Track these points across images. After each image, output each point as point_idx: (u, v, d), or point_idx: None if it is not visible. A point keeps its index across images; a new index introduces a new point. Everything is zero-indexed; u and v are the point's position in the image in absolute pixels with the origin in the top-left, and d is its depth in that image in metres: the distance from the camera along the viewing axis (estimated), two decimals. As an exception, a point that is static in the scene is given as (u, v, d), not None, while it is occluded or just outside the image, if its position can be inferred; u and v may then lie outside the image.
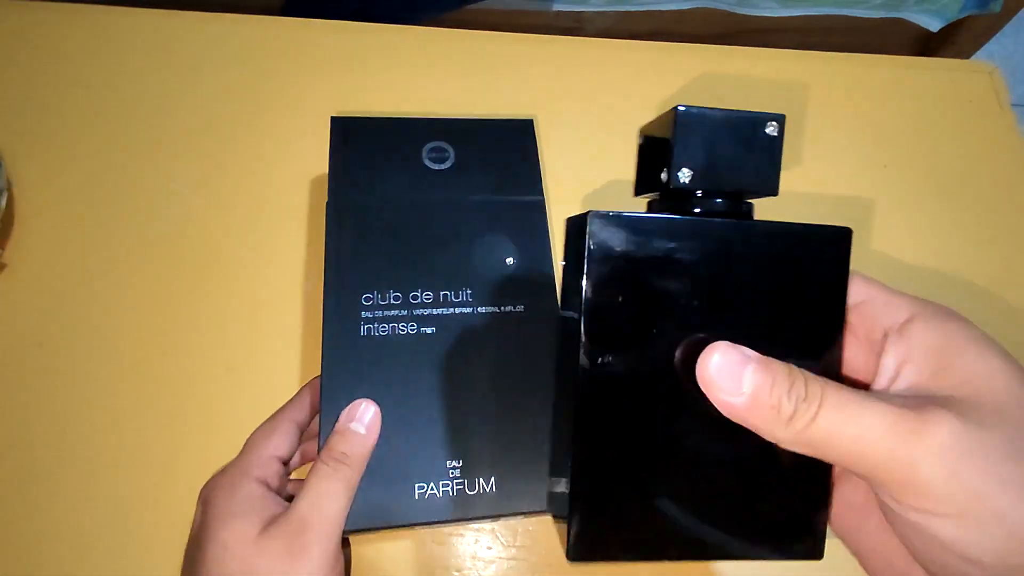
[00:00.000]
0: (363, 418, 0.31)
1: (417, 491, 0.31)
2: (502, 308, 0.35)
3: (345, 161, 0.37)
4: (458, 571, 0.33)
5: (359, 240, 0.35)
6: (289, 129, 0.41)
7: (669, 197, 0.24)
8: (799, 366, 0.21)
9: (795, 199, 0.39)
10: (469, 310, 0.35)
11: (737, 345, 0.21)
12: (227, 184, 0.39)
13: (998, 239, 0.39)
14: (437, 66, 0.44)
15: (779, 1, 0.44)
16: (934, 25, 0.45)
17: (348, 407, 0.31)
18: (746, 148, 0.23)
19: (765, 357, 0.20)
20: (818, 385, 0.20)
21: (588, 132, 0.41)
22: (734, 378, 0.20)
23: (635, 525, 0.24)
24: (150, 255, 0.38)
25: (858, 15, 0.45)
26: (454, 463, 0.31)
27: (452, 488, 0.31)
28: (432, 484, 0.31)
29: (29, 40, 0.42)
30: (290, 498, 0.30)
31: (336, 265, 0.34)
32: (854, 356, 0.24)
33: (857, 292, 0.24)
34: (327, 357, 0.33)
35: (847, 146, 0.40)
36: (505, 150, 0.39)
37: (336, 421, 0.31)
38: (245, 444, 0.31)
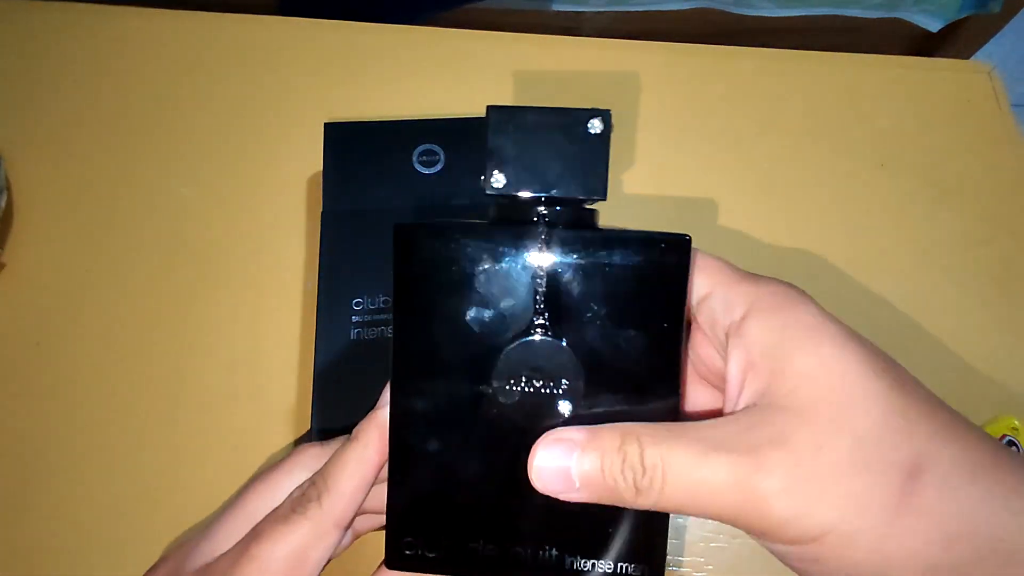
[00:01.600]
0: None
1: None
2: None
3: (338, 168, 0.38)
4: (457, 571, 0.33)
5: (351, 246, 0.36)
6: (288, 128, 0.41)
7: (502, 202, 0.22)
8: (641, 395, 0.20)
9: (793, 198, 0.39)
10: None
11: (562, 432, 0.19)
12: (226, 183, 0.40)
13: (997, 239, 0.39)
14: (436, 66, 0.44)
15: (777, 1, 0.44)
16: (933, 25, 0.45)
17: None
18: (568, 148, 0.21)
19: (593, 433, 0.19)
20: (656, 450, 0.18)
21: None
22: (563, 478, 0.19)
23: (457, 526, 0.22)
24: (149, 255, 0.38)
25: (857, 15, 0.45)
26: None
27: None
28: None
29: (29, 40, 0.42)
30: None
31: (329, 271, 0.35)
32: (712, 359, 0.22)
33: (700, 284, 0.21)
34: (319, 361, 0.34)
35: (845, 146, 0.41)
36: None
37: (323, 427, 0.30)
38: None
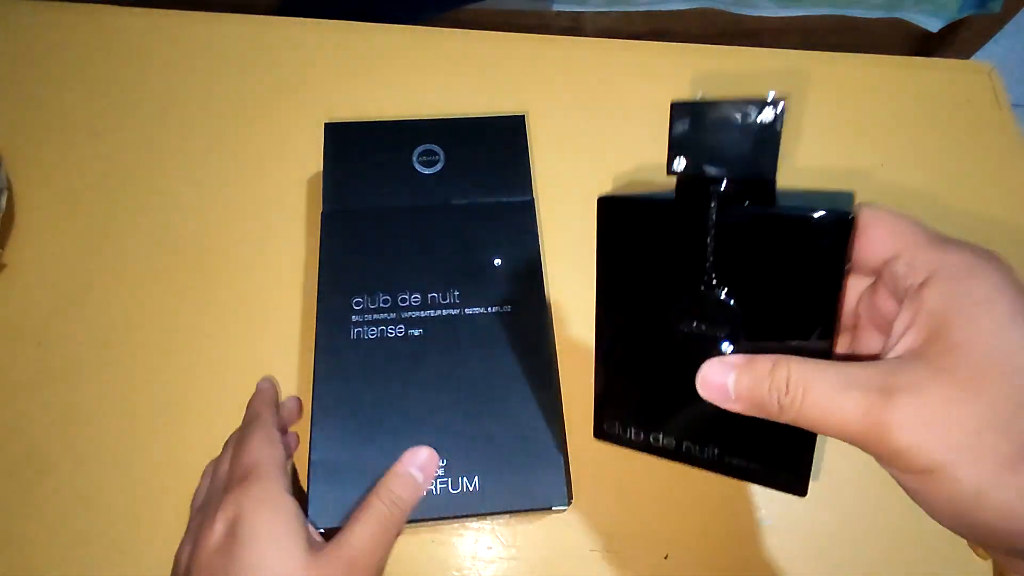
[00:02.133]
0: (425, 468, 0.31)
1: None
2: (489, 309, 0.35)
3: (338, 168, 0.38)
4: (458, 571, 0.33)
5: (351, 246, 0.36)
6: (288, 128, 0.41)
7: (682, 181, 0.26)
8: (794, 344, 0.24)
9: (794, 198, 0.39)
10: (456, 311, 0.35)
11: (724, 358, 0.24)
12: (226, 183, 0.40)
13: (997, 239, 0.39)
14: (436, 66, 0.44)
15: (777, 1, 0.44)
16: (933, 25, 0.45)
17: (414, 450, 0.31)
18: (742, 134, 0.24)
19: (749, 360, 0.23)
20: (800, 377, 0.22)
21: (587, 132, 0.41)
22: (721, 391, 0.24)
23: (643, 423, 0.28)
24: (149, 254, 0.38)
25: (857, 15, 0.45)
26: (439, 462, 0.32)
27: (436, 486, 0.31)
28: None
29: (29, 40, 0.42)
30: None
31: (329, 271, 0.35)
32: (890, 312, 0.24)
33: (889, 246, 0.23)
34: (319, 360, 0.34)
35: (845, 145, 0.41)
36: (496, 149, 0.39)
37: (322, 429, 0.32)
38: (246, 458, 0.30)
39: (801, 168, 0.40)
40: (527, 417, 0.33)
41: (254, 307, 0.37)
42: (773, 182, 0.25)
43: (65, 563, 0.32)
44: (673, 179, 0.27)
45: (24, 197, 0.39)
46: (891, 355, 0.22)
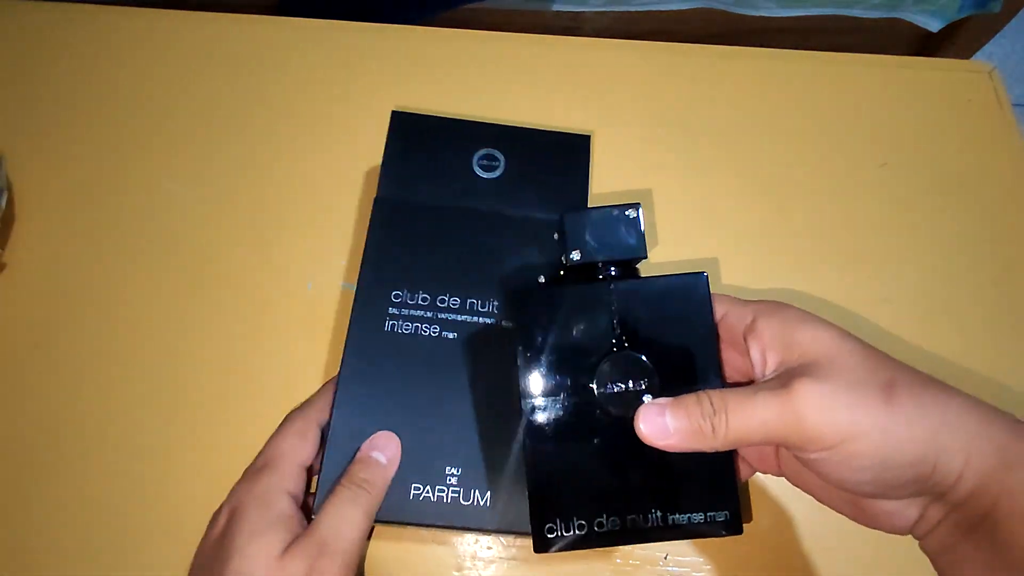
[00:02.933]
0: (385, 449, 0.31)
1: (412, 491, 0.31)
2: None
3: (399, 158, 0.37)
4: (458, 571, 0.33)
5: (399, 238, 0.36)
6: (287, 128, 0.41)
7: (573, 269, 0.32)
8: (697, 385, 0.29)
9: (794, 198, 0.39)
10: (493, 321, 0.35)
11: (655, 401, 0.27)
12: (225, 183, 0.40)
13: (997, 239, 0.39)
14: (436, 66, 0.44)
15: (777, 1, 0.44)
16: (933, 25, 0.45)
17: (372, 437, 0.32)
18: (617, 229, 0.31)
19: (677, 398, 0.27)
20: (720, 399, 0.26)
21: (587, 133, 0.41)
22: (660, 428, 0.26)
23: (585, 509, 0.29)
24: (149, 255, 0.38)
25: (857, 15, 0.45)
26: (453, 470, 0.32)
27: (447, 495, 0.31)
28: (428, 487, 0.31)
29: (29, 40, 0.42)
30: (307, 508, 0.31)
31: (374, 259, 0.35)
32: (733, 358, 0.30)
33: (718, 310, 0.30)
34: (349, 347, 0.33)
35: (845, 145, 0.41)
36: (556, 164, 0.39)
37: (342, 419, 0.32)
38: (271, 449, 0.31)
39: (801, 168, 0.40)
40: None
41: (254, 306, 0.37)
42: (637, 264, 0.32)
43: (66, 563, 0.32)
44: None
45: (24, 197, 0.39)
46: (768, 373, 0.27)
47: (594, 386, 0.29)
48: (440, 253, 0.36)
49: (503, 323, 0.35)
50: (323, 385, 0.34)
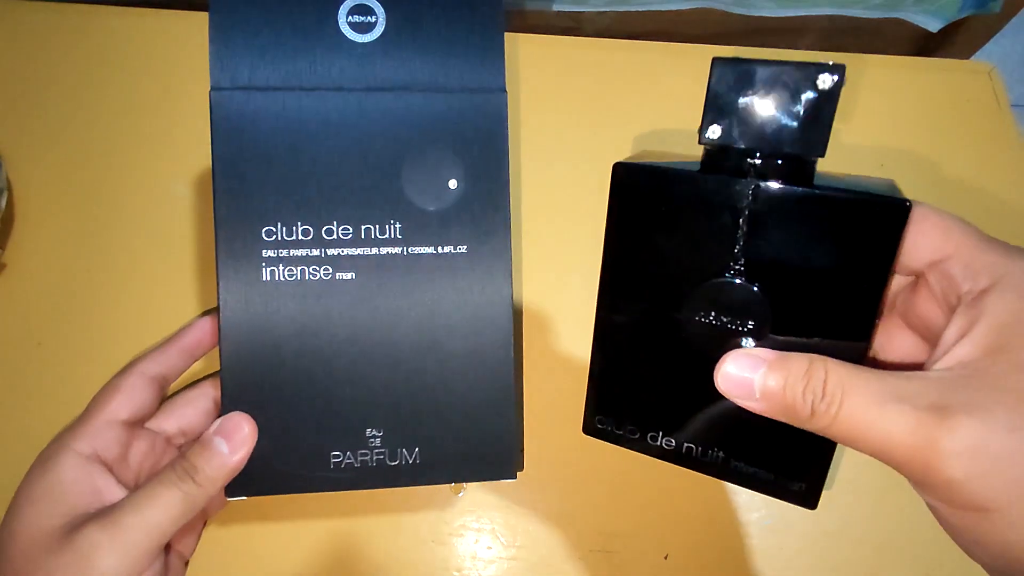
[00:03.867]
0: (232, 434, 0.27)
1: (332, 460, 0.28)
2: (439, 249, 0.28)
3: (230, 22, 0.27)
4: (458, 571, 0.33)
5: (254, 151, 0.27)
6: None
7: (712, 152, 0.23)
8: (828, 343, 0.22)
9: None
10: (398, 250, 0.28)
11: (752, 350, 0.21)
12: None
13: (997, 238, 0.39)
14: None
15: (777, 1, 0.44)
16: (933, 25, 0.45)
17: (221, 419, 0.27)
18: (792, 104, 0.21)
19: (781, 356, 0.21)
20: (839, 381, 0.19)
21: (587, 132, 0.41)
22: (746, 386, 0.21)
23: (642, 420, 0.26)
24: (150, 255, 0.38)
25: (857, 15, 0.45)
26: (374, 431, 0.28)
27: (371, 458, 0.28)
28: (349, 453, 0.28)
29: (29, 40, 0.42)
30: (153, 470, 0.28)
31: (226, 186, 0.27)
32: (933, 314, 0.22)
33: (939, 246, 0.21)
34: (224, 305, 0.27)
35: (844, 145, 0.41)
36: (458, 12, 0.28)
37: (232, 391, 0.27)
38: (94, 401, 0.28)
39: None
40: (475, 380, 0.28)
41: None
42: (814, 162, 0.22)
43: (65, 563, 0.32)
44: (697, 149, 0.24)
45: (24, 197, 0.39)
46: (939, 366, 0.19)
47: (684, 311, 0.24)
48: (313, 164, 0.27)
49: (409, 250, 0.28)
50: (170, 336, 0.31)
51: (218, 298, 0.27)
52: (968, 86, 0.41)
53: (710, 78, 0.23)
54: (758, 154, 0.22)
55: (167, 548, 0.28)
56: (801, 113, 0.21)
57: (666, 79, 0.42)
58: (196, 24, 0.44)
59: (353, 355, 0.28)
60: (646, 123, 0.41)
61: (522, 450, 0.32)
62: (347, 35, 0.27)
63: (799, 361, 0.20)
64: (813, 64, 0.21)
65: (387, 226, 0.28)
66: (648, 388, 0.25)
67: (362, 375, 0.28)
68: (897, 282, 0.23)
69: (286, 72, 0.27)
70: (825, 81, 0.21)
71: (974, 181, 0.40)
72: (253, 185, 0.27)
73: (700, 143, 0.23)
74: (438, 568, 0.33)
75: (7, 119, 0.40)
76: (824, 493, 0.34)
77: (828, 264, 0.22)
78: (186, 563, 0.31)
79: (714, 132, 0.22)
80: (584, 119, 0.42)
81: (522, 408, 0.34)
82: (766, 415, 0.21)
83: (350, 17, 0.27)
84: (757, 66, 0.21)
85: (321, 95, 0.27)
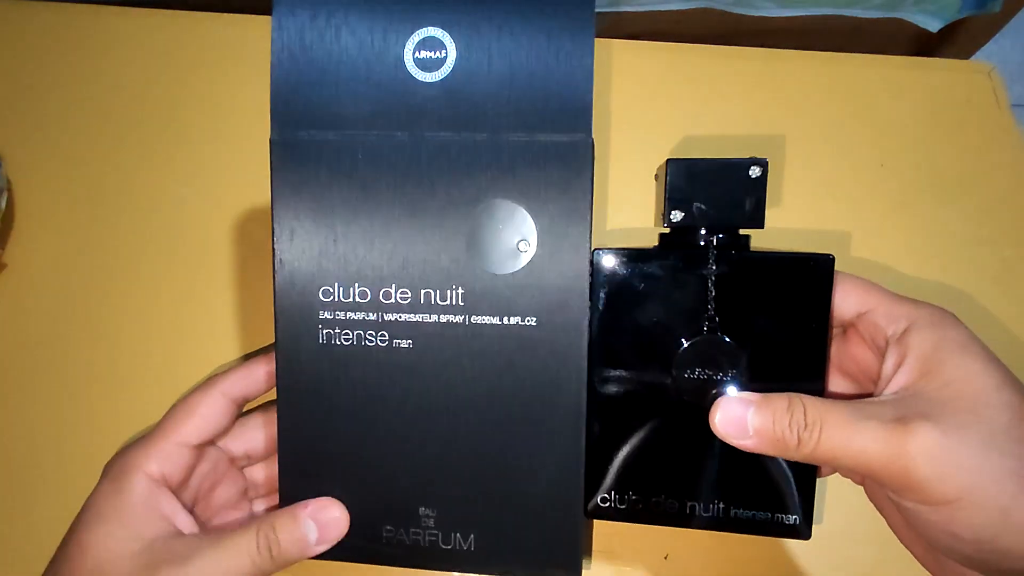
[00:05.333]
0: (323, 525, 0.26)
1: (385, 534, 0.27)
2: (505, 320, 0.25)
3: (296, 66, 0.25)
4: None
5: (314, 202, 0.25)
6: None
7: (672, 233, 0.28)
8: (792, 384, 0.25)
9: (792, 199, 0.39)
10: (459, 319, 0.25)
11: (741, 394, 0.24)
12: (227, 184, 0.39)
13: (996, 240, 0.39)
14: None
15: (777, 1, 0.44)
16: (933, 25, 0.45)
17: (324, 502, 0.26)
18: (732, 189, 0.27)
19: (765, 397, 0.24)
20: (817, 411, 0.23)
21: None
22: (739, 426, 0.23)
23: (643, 486, 0.27)
24: (150, 255, 0.38)
25: (857, 15, 0.45)
26: (428, 511, 0.26)
27: (424, 538, 0.26)
28: (401, 530, 0.26)
29: (29, 40, 0.42)
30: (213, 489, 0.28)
31: (286, 235, 0.25)
32: (864, 357, 0.27)
33: (861, 302, 0.26)
34: (281, 370, 0.26)
35: (844, 146, 0.41)
36: (540, 48, 0.24)
37: (288, 453, 0.26)
38: (166, 418, 0.27)
39: (800, 169, 0.40)
40: (540, 467, 0.26)
41: (256, 308, 0.37)
42: (748, 236, 0.28)
43: (65, 563, 0.32)
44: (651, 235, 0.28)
45: (24, 197, 0.39)
46: (887, 392, 0.24)
47: (674, 370, 0.27)
48: (373, 216, 0.25)
49: (472, 319, 0.25)
50: (255, 355, 0.31)
51: (276, 357, 0.26)
52: (968, 86, 0.41)
53: (667, 175, 0.27)
54: (706, 232, 0.27)
55: None
56: (742, 196, 0.26)
57: (666, 79, 0.42)
58: (197, 24, 0.44)
59: (409, 427, 0.26)
60: (646, 123, 0.41)
61: (586, 542, 0.30)
62: (413, 74, 0.25)
63: (780, 399, 0.23)
64: (744, 160, 0.27)
65: (448, 291, 0.25)
66: (646, 453, 0.28)
67: (418, 450, 0.26)
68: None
69: (348, 116, 0.25)
70: (755, 171, 0.26)
71: (974, 181, 0.40)
72: (314, 240, 0.25)
73: (665, 226, 0.27)
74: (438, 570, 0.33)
75: (7, 119, 0.40)
76: (826, 493, 0.34)
77: (782, 313, 0.26)
78: None
79: (676, 217, 0.27)
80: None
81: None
82: (758, 451, 0.24)
83: (417, 53, 0.25)
84: (703, 163, 0.27)
85: (387, 138, 0.25)
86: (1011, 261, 0.39)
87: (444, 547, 0.27)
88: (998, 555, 0.21)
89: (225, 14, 0.44)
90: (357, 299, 0.26)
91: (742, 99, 0.42)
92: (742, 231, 0.28)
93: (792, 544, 0.33)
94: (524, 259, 0.25)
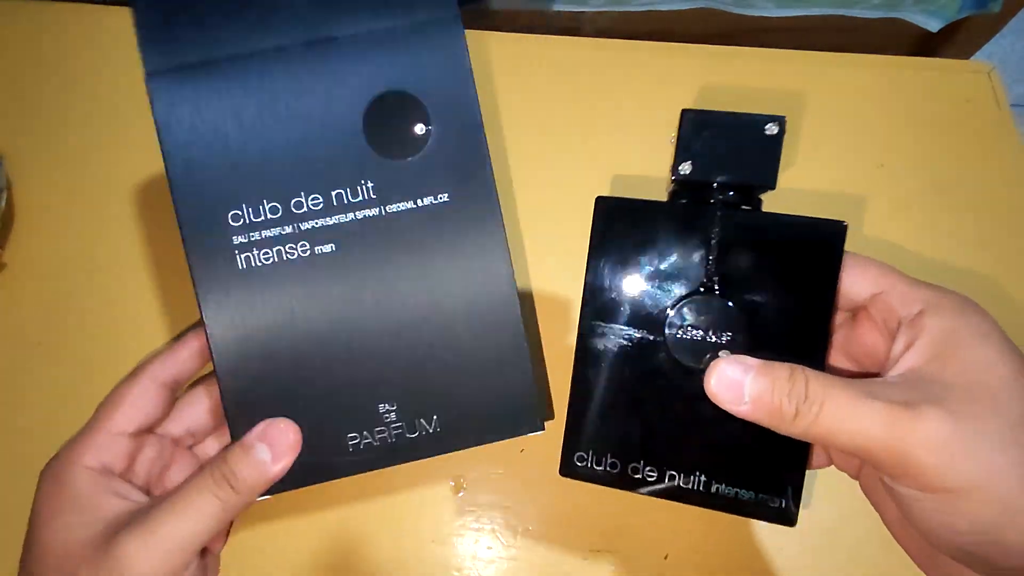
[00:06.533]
0: (276, 443, 0.25)
1: (350, 443, 0.27)
2: (419, 202, 0.26)
3: (159, 4, 0.25)
4: (458, 571, 0.33)
5: (203, 125, 0.25)
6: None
7: (680, 186, 0.27)
8: (792, 352, 0.24)
9: (791, 197, 0.39)
10: (375, 211, 0.25)
11: (739, 357, 0.23)
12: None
13: (996, 240, 0.39)
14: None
15: (777, 1, 0.44)
16: (933, 25, 0.45)
17: (267, 422, 0.26)
18: (747, 145, 0.25)
19: (766, 363, 0.22)
20: (820, 385, 0.21)
21: (587, 133, 0.41)
22: (735, 390, 0.22)
23: (622, 450, 0.26)
24: (150, 255, 0.38)
25: (857, 15, 0.45)
26: (387, 406, 0.27)
27: (389, 434, 0.27)
28: (365, 432, 0.27)
29: (30, 40, 0.42)
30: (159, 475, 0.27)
31: (182, 168, 0.25)
32: (874, 341, 0.25)
33: (877, 283, 0.25)
34: (204, 303, 0.25)
35: (844, 146, 0.41)
36: None
37: (232, 392, 0.26)
38: (96, 412, 0.27)
39: (801, 169, 0.40)
40: (485, 336, 0.27)
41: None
42: (760, 200, 0.27)
43: (65, 563, 0.32)
44: (663, 189, 0.27)
45: (24, 197, 0.39)
46: (893, 373, 0.23)
47: (666, 329, 0.25)
48: (270, 134, 0.25)
49: (387, 209, 0.26)
50: (179, 337, 0.30)
51: (197, 297, 0.26)
52: (968, 86, 0.41)
53: (680, 125, 0.26)
54: (724, 187, 0.26)
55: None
56: (756, 152, 0.25)
57: (666, 79, 0.42)
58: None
59: (350, 331, 0.26)
60: (646, 123, 0.41)
61: (548, 399, 0.30)
62: None
63: (782, 368, 0.22)
64: (761, 116, 0.25)
65: (359, 187, 0.25)
66: (630, 416, 0.26)
67: (364, 350, 0.26)
68: (838, 318, 0.27)
69: (221, 41, 0.25)
70: (771, 128, 0.25)
71: (974, 181, 0.40)
72: (209, 170, 0.25)
73: (673, 178, 0.26)
74: (438, 568, 0.33)
75: (7, 119, 0.40)
76: (825, 491, 0.34)
77: (787, 277, 0.25)
78: (218, 556, 0.30)
79: (685, 168, 0.26)
80: (583, 119, 0.42)
81: (542, 359, 0.32)
82: (751, 419, 0.22)
83: None
84: (718, 116, 0.26)
85: (262, 60, 0.25)
86: (1011, 261, 0.39)
87: (410, 436, 0.27)
88: (998, 550, 0.20)
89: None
90: (269, 215, 0.25)
91: (742, 99, 0.42)
92: (754, 193, 0.27)
93: (791, 544, 0.33)
94: (423, 141, 0.26)
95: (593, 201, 0.27)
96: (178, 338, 0.30)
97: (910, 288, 0.24)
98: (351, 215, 0.26)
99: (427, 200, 0.26)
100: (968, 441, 0.20)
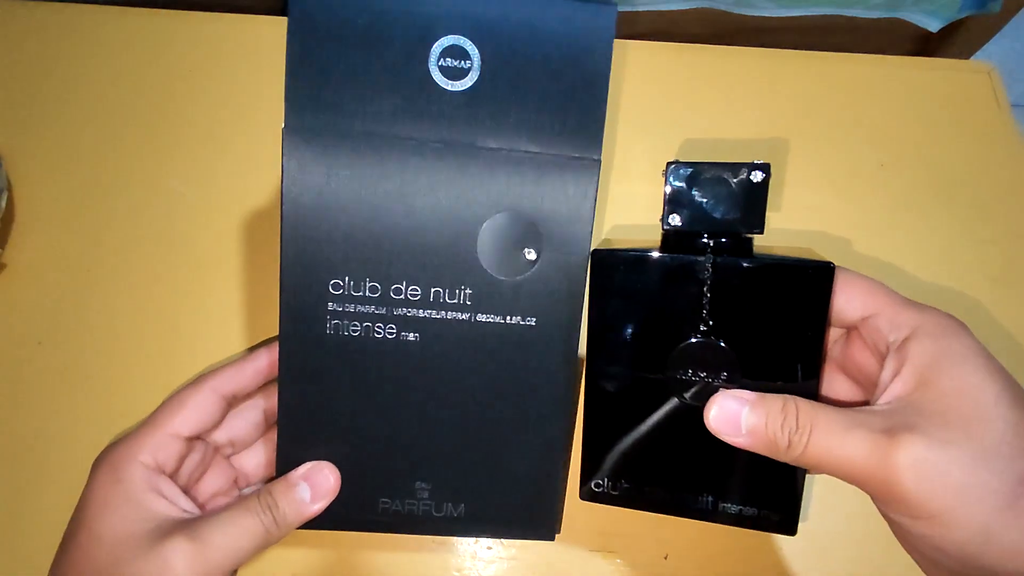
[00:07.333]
0: (316, 485, 0.28)
1: (381, 506, 0.29)
2: (508, 319, 0.27)
3: (311, 61, 0.25)
4: (458, 571, 0.33)
5: (329, 192, 0.25)
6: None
7: (671, 235, 0.28)
8: (786, 386, 0.26)
9: (791, 199, 0.39)
10: (466, 316, 0.27)
11: (735, 392, 0.24)
12: (227, 183, 0.40)
13: (996, 240, 0.39)
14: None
15: (777, 1, 0.44)
16: (933, 25, 0.45)
17: (309, 464, 0.28)
18: (733, 193, 0.26)
19: (760, 396, 0.24)
20: (808, 415, 0.23)
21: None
22: (733, 424, 0.24)
23: (635, 475, 0.28)
24: (149, 254, 0.38)
25: (857, 15, 0.45)
26: (423, 484, 0.29)
27: (418, 508, 0.29)
28: (398, 501, 0.29)
29: (29, 40, 0.42)
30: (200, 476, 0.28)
31: (295, 233, 0.26)
32: (866, 361, 0.26)
33: (866, 305, 0.25)
34: (284, 357, 0.27)
35: (844, 146, 0.41)
36: (558, 67, 0.25)
37: (289, 436, 0.28)
38: (156, 412, 0.28)
39: (801, 169, 0.40)
40: (527, 447, 0.29)
41: (257, 307, 0.37)
42: (751, 240, 0.27)
43: (65, 563, 0.32)
44: (655, 236, 0.28)
45: (24, 197, 0.39)
46: (881, 401, 0.23)
47: (667, 371, 0.27)
48: (390, 219, 0.26)
49: (477, 318, 0.27)
50: (245, 355, 0.31)
51: (280, 345, 0.27)
52: (968, 86, 0.41)
53: (666, 178, 0.27)
54: (707, 236, 0.27)
55: None
56: (743, 201, 0.26)
57: (666, 79, 0.42)
58: (196, 24, 0.44)
59: (410, 412, 0.28)
60: (645, 122, 0.41)
61: (561, 512, 0.32)
62: (437, 80, 0.25)
63: (775, 400, 0.23)
64: (746, 164, 0.26)
65: (457, 290, 0.27)
66: (641, 445, 0.28)
67: (417, 431, 0.28)
68: (833, 335, 0.28)
69: (366, 115, 0.25)
70: (756, 176, 0.26)
71: (974, 181, 0.40)
72: (323, 235, 0.26)
73: (664, 229, 0.27)
74: (438, 568, 0.33)
75: (7, 119, 0.40)
76: (825, 492, 0.34)
77: (777, 319, 0.26)
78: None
79: (674, 219, 0.27)
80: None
81: (567, 473, 0.32)
82: (749, 449, 0.24)
83: (442, 61, 0.25)
84: (703, 167, 0.26)
85: (401, 145, 0.25)
86: (1011, 261, 0.39)
87: (437, 515, 0.29)
88: (983, 573, 0.20)
89: (226, 14, 0.44)
90: (368, 293, 0.26)
91: (742, 99, 0.42)
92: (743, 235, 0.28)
93: (791, 545, 0.33)
94: (529, 266, 0.27)
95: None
96: (253, 348, 0.32)
97: (897, 312, 0.25)
98: (443, 313, 0.27)
99: (515, 319, 0.27)
100: (942, 466, 0.20)
